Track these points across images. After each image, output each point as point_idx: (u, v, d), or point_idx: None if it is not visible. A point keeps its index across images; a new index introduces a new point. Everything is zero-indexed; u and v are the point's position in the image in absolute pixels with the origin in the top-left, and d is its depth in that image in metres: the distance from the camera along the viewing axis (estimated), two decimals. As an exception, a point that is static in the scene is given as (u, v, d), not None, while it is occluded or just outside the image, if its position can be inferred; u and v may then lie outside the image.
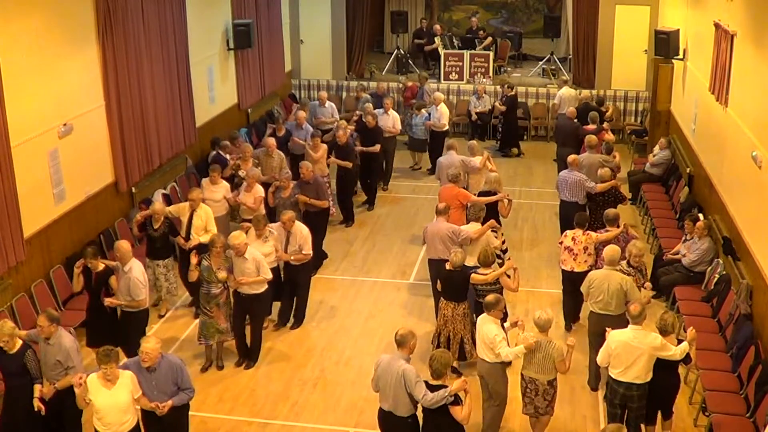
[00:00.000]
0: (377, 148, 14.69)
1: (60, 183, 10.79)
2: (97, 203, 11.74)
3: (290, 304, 10.83)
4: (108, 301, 9.21)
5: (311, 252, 10.65)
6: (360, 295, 11.80)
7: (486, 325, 8.21)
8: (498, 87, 18.44)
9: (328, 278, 12.25)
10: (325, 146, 13.92)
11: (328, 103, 16.68)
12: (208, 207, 11.16)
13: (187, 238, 10.86)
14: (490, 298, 8.29)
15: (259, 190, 11.92)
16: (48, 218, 10.60)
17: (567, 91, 17.62)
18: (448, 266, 9.57)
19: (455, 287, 9.49)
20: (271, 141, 13.58)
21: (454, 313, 9.50)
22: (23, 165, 9.87)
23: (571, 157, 12.73)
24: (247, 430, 8.83)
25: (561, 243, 10.73)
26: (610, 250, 9.37)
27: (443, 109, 16.54)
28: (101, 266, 9.28)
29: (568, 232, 10.66)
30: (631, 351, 7.85)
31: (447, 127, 16.48)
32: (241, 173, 12.83)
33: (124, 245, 9.25)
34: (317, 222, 12.04)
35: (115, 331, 9.34)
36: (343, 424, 8.94)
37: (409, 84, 18.69)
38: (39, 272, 10.33)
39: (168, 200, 13.31)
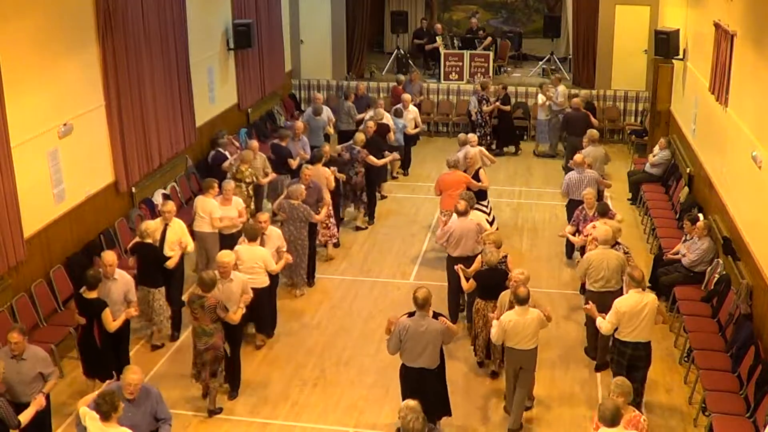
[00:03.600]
0: (386, 159, 14.36)
1: (60, 183, 10.79)
2: (97, 203, 11.74)
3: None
4: (129, 313, 8.94)
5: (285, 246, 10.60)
6: (360, 295, 11.80)
7: (531, 312, 8.45)
8: (479, 86, 17.94)
9: (328, 278, 12.25)
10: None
11: (323, 107, 16.21)
12: (180, 220, 10.66)
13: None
14: (524, 292, 8.43)
15: (239, 202, 11.62)
16: (48, 218, 10.59)
17: (563, 88, 17.59)
18: (478, 266, 9.75)
19: (494, 285, 9.43)
20: (254, 143, 13.46)
21: (482, 309, 9.46)
22: (23, 165, 9.87)
23: (578, 158, 12.71)
24: (247, 430, 8.83)
25: (588, 234, 10.65)
26: (604, 232, 9.89)
27: (414, 109, 16.61)
28: (95, 294, 8.76)
29: (597, 224, 10.60)
30: (638, 313, 8.41)
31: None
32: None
33: (110, 257, 9.03)
34: (312, 228, 11.79)
35: (106, 361, 8.90)
36: (343, 424, 8.93)
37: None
38: (39, 272, 10.33)
39: (168, 200, 13.32)
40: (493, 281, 9.45)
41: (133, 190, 12.61)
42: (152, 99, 12.97)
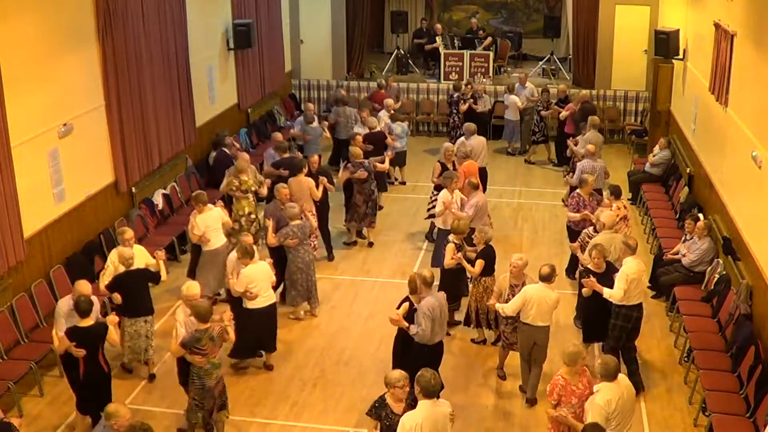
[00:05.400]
0: (387, 160, 14.02)
1: (60, 183, 10.79)
2: (97, 203, 11.74)
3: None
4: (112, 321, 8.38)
5: None
6: (360, 295, 11.80)
7: (551, 292, 8.93)
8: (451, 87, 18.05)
9: (329, 278, 12.24)
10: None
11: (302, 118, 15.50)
12: (140, 246, 10.12)
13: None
14: (547, 270, 8.90)
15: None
16: (48, 218, 10.59)
17: (531, 87, 17.80)
18: (480, 243, 10.14)
19: (493, 261, 10.16)
20: (245, 155, 13.00)
21: (491, 285, 9.93)
22: (23, 165, 9.87)
23: (591, 147, 13.27)
24: (247, 430, 8.83)
25: (618, 215, 11.06)
26: (611, 216, 10.49)
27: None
28: (91, 320, 8.21)
29: (620, 203, 11.38)
30: (641, 276, 9.26)
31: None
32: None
33: (87, 287, 8.43)
34: (283, 250, 10.94)
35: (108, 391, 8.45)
36: (343, 424, 8.94)
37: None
38: (39, 272, 10.33)
39: (168, 200, 13.32)
40: (493, 257, 10.12)
41: (133, 190, 12.61)
42: (152, 99, 12.96)
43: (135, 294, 9.34)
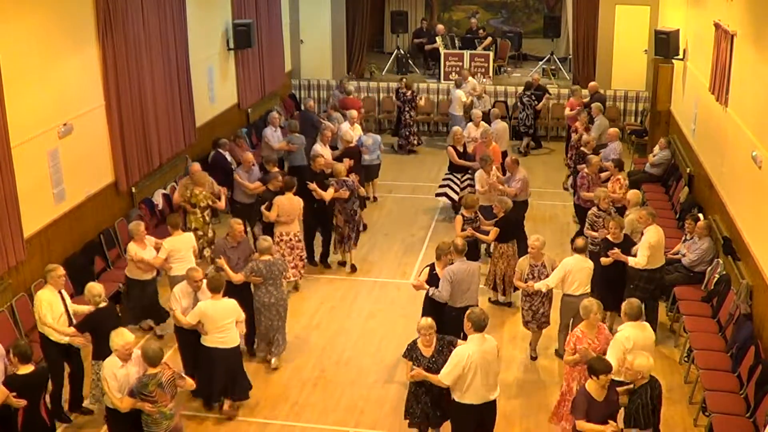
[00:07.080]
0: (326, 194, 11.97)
1: (60, 183, 10.80)
2: (97, 203, 11.75)
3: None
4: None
5: None
6: (360, 295, 11.80)
7: (587, 262, 9.61)
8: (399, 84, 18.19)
9: (329, 278, 12.25)
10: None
11: (270, 129, 14.92)
12: (45, 291, 8.59)
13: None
14: (582, 242, 9.64)
15: (150, 241, 10.24)
16: (48, 218, 10.60)
17: (473, 82, 18.15)
18: (500, 212, 10.97)
19: (512, 228, 11.13)
20: (196, 165, 12.42)
21: (514, 251, 10.99)
22: (23, 165, 9.87)
23: (615, 131, 14.56)
24: (247, 430, 8.83)
25: (621, 185, 12.37)
26: (635, 194, 11.63)
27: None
28: (31, 367, 7.43)
29: (622, 174, 12.77)
30: (662, 243, 10.17)
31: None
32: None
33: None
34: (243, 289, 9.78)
35: None
36: (343, 424, 8.94)
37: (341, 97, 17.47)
38: (39, 272, 10.28)
39: (168, 200, 13.32)
40: (511, 224, 11.08)
41: (133, 190, 12.61)
42: (152, 99, 12.97)
43: (104, 333, 7.83)
